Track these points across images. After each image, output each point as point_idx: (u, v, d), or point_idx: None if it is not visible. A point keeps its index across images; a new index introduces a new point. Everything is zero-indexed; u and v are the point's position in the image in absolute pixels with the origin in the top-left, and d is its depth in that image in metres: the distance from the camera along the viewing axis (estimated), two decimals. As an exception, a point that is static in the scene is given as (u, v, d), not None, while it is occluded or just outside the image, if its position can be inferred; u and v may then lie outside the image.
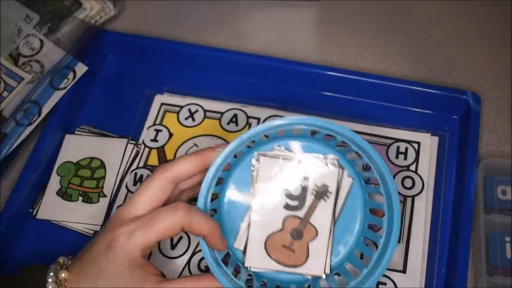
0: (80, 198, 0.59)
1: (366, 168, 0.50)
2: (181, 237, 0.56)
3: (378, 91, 0.62)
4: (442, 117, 0.63)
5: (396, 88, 0.62)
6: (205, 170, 0.47)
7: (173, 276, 0.54)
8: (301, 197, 0.51)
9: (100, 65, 0.68)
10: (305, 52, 0.69)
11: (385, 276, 0.54)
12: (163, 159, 0.61)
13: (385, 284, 0.53)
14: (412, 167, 0.59)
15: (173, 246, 0.56)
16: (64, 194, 0.59)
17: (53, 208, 0.59)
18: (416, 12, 0.72)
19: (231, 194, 0.51)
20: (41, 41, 0.65)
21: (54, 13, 0.67)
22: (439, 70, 0.67)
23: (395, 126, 0.62)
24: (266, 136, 0.50)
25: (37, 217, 0.58)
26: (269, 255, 0.50)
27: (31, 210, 0.59)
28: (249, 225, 0.51)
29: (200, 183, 0.47)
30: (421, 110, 0.63)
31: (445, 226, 0.56)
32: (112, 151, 0.62)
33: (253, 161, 0.51)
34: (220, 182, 0.51)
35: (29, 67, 0.63)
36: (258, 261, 0.50)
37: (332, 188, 0.51)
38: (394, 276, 0.54)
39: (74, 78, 0.63)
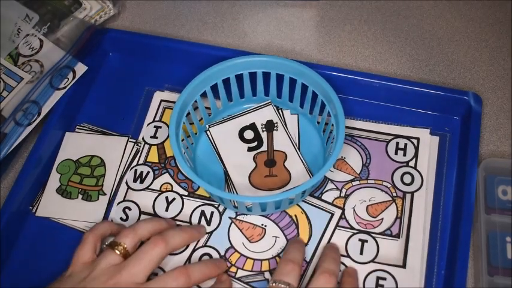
0: (80, 196, 0.59)
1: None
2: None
3: (378, 91, 0.62)
4: (443, 118, 0.62)
5: (397, 88, 0.62)
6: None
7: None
8: (256, 138, 0.60)
9: (100, 63, 0.68)
10: (305, 52, 0.69)
11: (385, 271, 0.54)
12: (163, 156, 0.61)
13: (385, 279, 0.53)
14: (411, 163, 0.59)
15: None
16: (64, 191, 0.59)
17: (52, 206, 0.59)
18: (416, 12, 0.72)
19: (202, 161, 0.60)
20: (41, 40, 0.65)
21: (54, 13, 0.67)
22: (440, 70, 0.67)
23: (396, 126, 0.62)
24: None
25: (37, 214, 0.58)
26: (257, 188, 0.57)
27: (31, 208, 0.59)
28: (228, 175, 0.58)
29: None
30: (422, 111, 0.63)
31: (445, 225, 0.56)
32: (112, 149, 0.62)
33: (208, 134, 0.61)
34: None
35: (28, 67, 0.63)
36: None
37: (275, 120, 0.61)
38: (394, 271, 0.54)
39: (73, 78, 0.63)
